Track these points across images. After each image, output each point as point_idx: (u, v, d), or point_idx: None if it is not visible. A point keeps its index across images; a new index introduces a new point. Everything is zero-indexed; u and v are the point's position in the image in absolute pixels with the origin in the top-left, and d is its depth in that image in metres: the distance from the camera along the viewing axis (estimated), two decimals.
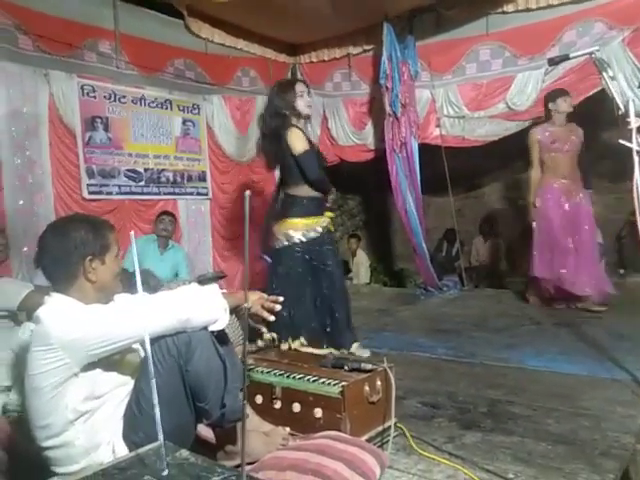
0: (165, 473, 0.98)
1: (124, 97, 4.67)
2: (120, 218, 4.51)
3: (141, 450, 1.14)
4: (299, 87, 3.03)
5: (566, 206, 3.98)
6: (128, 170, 4.73)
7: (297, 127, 2.98)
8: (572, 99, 4.05)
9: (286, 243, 2.94)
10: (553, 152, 4.00)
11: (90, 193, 4.43)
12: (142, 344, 1.60)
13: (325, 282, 2.97)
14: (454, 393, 2.41)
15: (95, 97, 4.47)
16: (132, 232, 1.32)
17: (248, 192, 0.93)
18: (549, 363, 2.73)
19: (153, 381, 1.10)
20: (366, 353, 2.94)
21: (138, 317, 1.42)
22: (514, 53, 4.64)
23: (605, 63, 2.42)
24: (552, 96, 4.06)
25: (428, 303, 4.84)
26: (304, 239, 2.94)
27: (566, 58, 2.52)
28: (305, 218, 2.96)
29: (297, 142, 2.91)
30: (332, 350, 2.88)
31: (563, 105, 3.97)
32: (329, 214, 3.07)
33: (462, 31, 4.84)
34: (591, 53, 2.50)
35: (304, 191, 2.97)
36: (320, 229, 2.98)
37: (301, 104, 2.98)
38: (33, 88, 4.10)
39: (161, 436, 1.07)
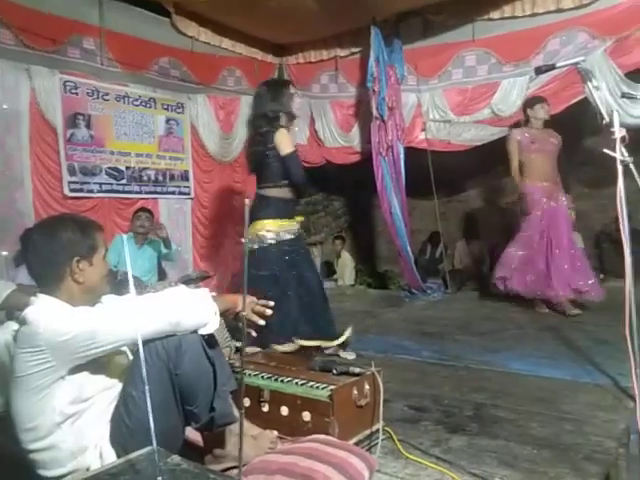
0: (159, 479, 0.97)
1: (107, 94, 4.60)
2: (100, 216, 4.43)
3: (132, 455, 1.12)
4: (292, 89, 3.04)
5: (547, 207, 4.03)
6: (110, 168, 4.66)
7: (285, 128, 2.97)
8: (553, 107, 4.16)
9: (260, 245, 2.93)
10: (533, 154, 4.05)
11: (71, 191, 4.35)
12: (130, 347, 1.58)
13: (303, 285, 2.98)
14: (439, 396, 2.42)
15: (77, 94, 4.40)
16: (124, 235, 1.30)
17: (247, 200, 0.92)
18: (532, 367, 2.76)
19: (146, 387, 1.08)
20: (351, 355, 2.95)
21: (128, 320, 1.40)
22: (499, 60, 4.70)
23: (590, 73, 2.47)
24: (530, 103, 4.14)
25: (412, 305, 4.87)
26: (279, 239, 2.94)
27: (552, 68, 2.56)
28: (279, 220, 2.97)
29: (286, 143, 2.92)
30: (323, 342, 2.88)
31: (540, 112, 4.04)
32: (299, 218, 3.12)
33: (449, 36, 4.89)
34: (577, 63, 2.55)
35: (281, 192, 2.98)
36: (295, 230, 3.01)
37: (294, 106, 2.98)
38: (14, 83, 4.02)
39: (154, 442, 1.05)
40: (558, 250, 3.97)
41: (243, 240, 2.99)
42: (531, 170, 4.08)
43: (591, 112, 3.96)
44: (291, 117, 3.04)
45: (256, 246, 2.93)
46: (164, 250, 4.39)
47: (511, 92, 4.67)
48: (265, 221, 2.95)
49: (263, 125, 2.96)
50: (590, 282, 3.92)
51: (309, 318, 2.97)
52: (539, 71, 2.61)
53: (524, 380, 2.61)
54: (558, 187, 4.10)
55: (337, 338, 2.95)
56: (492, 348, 3.20)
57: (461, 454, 1.83)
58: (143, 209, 4.56)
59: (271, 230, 2.94)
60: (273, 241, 2.94)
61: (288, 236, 2.99)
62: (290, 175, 2.95)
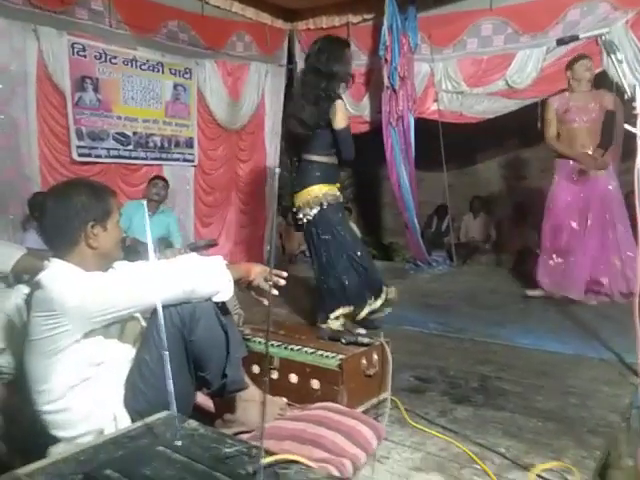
0: (179, 443, 0.99)
1: (115, 58, 4.52)
2: (106, 181, 4.39)
3: (150, 419, 1.14)
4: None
5: (581, 183, 3.62)
6: (117, 133, 4.61)
7: (342, 99, 2.95)
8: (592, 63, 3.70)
9: (318, 209, 2.96)
10: (567, 124, 3.66)
11: (80, 155, 4.32)
12: (143, 313, 1.60)
13: (353, 244, 3.04)
14: (445, 368, 2.45)
15: (85, 56, 4.32)
16: (143, 201, 1.29)
17: (278, 169, 0.91)
18: (538, 341, 2.79)
19: (166, 353, 1.10)
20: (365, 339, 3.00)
21: (143, 286, 1.41)
22: (517, 30, 4.56)
23: (615, 45, 2.37)
24: (569, 62, 3.71)
25: (417, 278, 4.88)
26: (336, 202, 3.00)
27: (576, 38, 2.47)
28: (332, 184, 3.01)
29: (342, 116, 2.89)
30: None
31: (579, 70, 3.61)
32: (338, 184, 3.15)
33: (465, 4, 4.72)
34: (601, 35, 2.46)
35: (332, 159, 3.00)
36: (339, 195, 3.06)
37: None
38: (21, 44, 3.94)
39: (174, 406, 1.07)
40: (594, 235, 3.58)
41: (294, 210, 3.03)
42: (565, 141, 3.69)
43: (607, 87, 3.86)
44: (349, 82, 3.02)
45: (315, 211, 2.96)
46: (176, 232, 4.41)
47: (527, 64, 4.55)
48: (322, 185, 2.96)
49: (321, 85, 2.88)
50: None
51: (366, 276, 3.05)
52: (561, 42, 2.54)
53: (529, 354, 2.63)
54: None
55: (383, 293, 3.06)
56: (497, 321, 3.22)
57: (466, 424, 1.86)
58: (159, 177, 4.55)
59: (328, 194, 2.96)
60: (334, 203, 2.98)
61: (341, 199, 3.07)
62: (341, 150, 2.95)
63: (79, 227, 1.47)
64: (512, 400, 2.07)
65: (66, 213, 1.47)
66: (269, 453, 0.97)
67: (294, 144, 3.11)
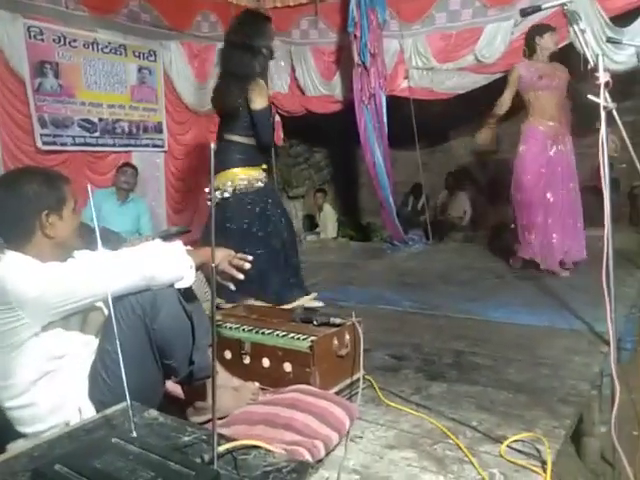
0: (134, 434, 0.95)
1: (75, 41, 4.38)
2: (72, 170, 4.28)
3: (108, 411, 1.11)
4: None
5: (552, 152, 3.59)
6: (82, 120, 4.49)
7: (262, 79, 2.79)
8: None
9: (231, 193, 2.79)
10: (540, 90, 3.57)
11: (44, 144, 4.20)
12: (105, 302, 1.55)
13: (278, 234, 2.90)
14: (419, 345, 2.46)
15: (43, 40, 4.18)
16: (89, 185, 1.23)
17: (213, 144, 0.87)
18: (511, 315, 2.81)
19: (117, 342, 1.05)
20: (318, 303, 2.97)
21: (101, 274, 1.36)
22: (484, 3, 4.54)
23: (577, 15, 2.37)
24: (539, 30, 3.63)
25: (394, 257, 4.89)
26: (250, 189, 2.82)
27: (538, 9, 2.46)
28: (250, 168, 2.83)
29: (260, 97, 2.73)
30: (299, 302, 2.87)
31: (549, 41, 3.57)
32: (264, 165, 2.98)
33: None
34: (563, 4, 2.44)
35: (251, 140, 2.83)
36: (263, 179, 2.89)
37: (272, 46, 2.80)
38: None
39: (128, 397, 1.04)
40: (566, 202, 3.59)
41: (207, 191, 2.88)
42: (535, 108, 3.60)
43: (574, 59, 3.86)
44: (271, 56, 2.85)
45: (227, 195, 2.80)
46: (146, 221, 4.31)
47: (495, 37, 4.54)
48: (236, 169, 2.81)
49: (241, 60, 2.72)
50: (583, 244, 3.62)
51: (284, 273, 2.93)
52: (524, 13, 2.52)
53: (502, 327, 2.65)
54: (565, 129, 3.64)
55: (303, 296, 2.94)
56: (471, 297, 3.24)
57: (440, 400, 1.86)
58: (128, 164, 4.44)
59: (243, 179, 2.80)
60: (245, 190, 2.80)
61: (258, 184, 2.86)
62: (257, 133, 2.78)
63: (33, 217, 1.41)
64: (485, 374, 2.08)
65: (18, 203, 1.40)
66: (229, 440, 0.94)
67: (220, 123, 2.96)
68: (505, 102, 3.68)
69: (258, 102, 2.73)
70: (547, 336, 2.48)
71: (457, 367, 2.17)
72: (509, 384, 1.97)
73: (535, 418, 1.69)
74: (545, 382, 1.97)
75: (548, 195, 3.60)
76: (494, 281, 3.67)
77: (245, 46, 2.74)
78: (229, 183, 2.79)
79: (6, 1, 3.85)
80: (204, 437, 0.99)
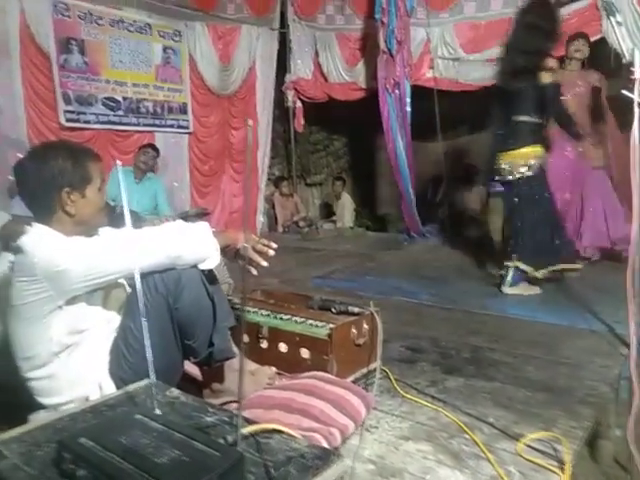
0: (158, 412, 0.95)
1: (101, 18, 4.37)
2: (97, 148, 4.29)
3: (130, 387, 1.11)
4: None
5: (571, 155, 3.77)
6: (106, 98, 4.50)
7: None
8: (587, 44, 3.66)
9: (530, 171, 3.04)
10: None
11: (67, 120, 4.22)
12: (128, 280, 1.55)
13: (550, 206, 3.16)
14: (436, 338, 2.44)
15: (70, 16, 4.17)
16: (118, 162, 1.23)
17: (251, 121, 0.85)
18: (530, 312, 2.77)
19: (144, 320, 1.05)
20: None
21: (127, 251, 1.36)
22: None
23: (614, 7, 2.31)
24: (568, 39, 3.67)
25: (411, 249, 4.86)
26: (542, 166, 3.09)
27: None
28: (538, 146, 3.08)
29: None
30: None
31: (570, 50, 3.66)
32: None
33: None
34: None
35: (536, 118, 3.05)
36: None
37: None
38: (1, 4, 3.79)
39: (153, 374, 1.04)
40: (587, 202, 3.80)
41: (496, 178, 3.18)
42: None
43: (606, 53, 3.76)
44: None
45: (528, 173, 3.04)
46: (162, 199, 4.32)
47: None
48: (532, 147, 3.06)
49: (539, 45, 2.89)
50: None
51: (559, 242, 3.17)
52: (560, 3, 2.46)
53: (521, 325, 2.62)
54: (588, 130, 3.73)
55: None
56: (489, 293, 3.21)
57: (457, 394, 1.85)
58: (151, 145, 4.44)
59: (538, 157, 3.06)
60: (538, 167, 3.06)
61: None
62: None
63: (54, 193, 1.40)
64: (503, 370, 2.06)
65: (41, 177, 1.40)
66: (251, 423, 0.94)
67: (502, 102, 3.17)
68: None
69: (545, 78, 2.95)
70: (566, 335, 2.44)
71: (474, 362, 2.15)
72: (527, 382, 1.95)
73: (553, 417, 1.67)
74: (564, 382, 1.95)
75: (567, 195, 3.76)
76: None
77: (547, 31, 2.92)
78: (531, 161, 3.04)
79: None
80: (226, 418, 0.99)
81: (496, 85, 3.20)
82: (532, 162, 3.03)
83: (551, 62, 2.93)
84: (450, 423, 1.64)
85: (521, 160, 3.03)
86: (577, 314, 2.72)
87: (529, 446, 1.49)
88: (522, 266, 3.07)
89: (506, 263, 3.15)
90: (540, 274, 3.07)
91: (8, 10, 3.82)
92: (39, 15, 3.97)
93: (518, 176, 3.04)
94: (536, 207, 3.06)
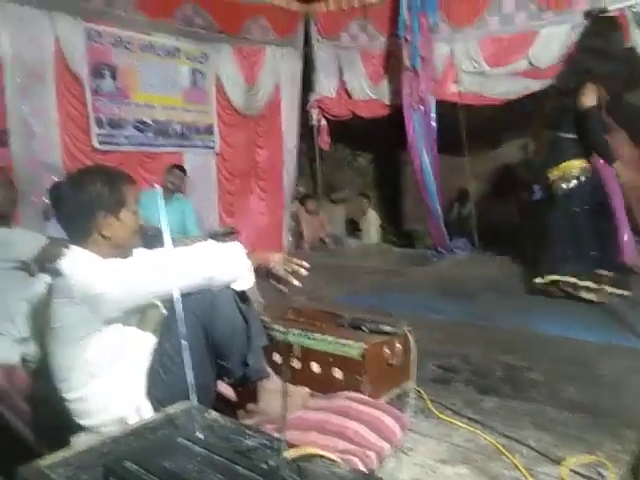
0: (199, 435, 0.96)
1: (131, 44, 4.49)
2: (127, 170, 4.39)
3: (170, 410, 1.12)
4: None
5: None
6: (137, 121, 4.61)
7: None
8: None
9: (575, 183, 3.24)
10: None
11: (100, 143, 4.33)
12: (163, 301, 1.57)
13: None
14: (468, 357, 2.39)
15: (102, 43, 4.31)
16: (156, 186, 1.25)
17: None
18: (564, 329, 2.71)
19: (184, 342, 1.06)
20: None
21: (162, 273, 1.38)
22: (539, 5, 4.40)
23: None
24: None
25: (439, 264, 4.81)
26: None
27: (604, 11, 2.38)
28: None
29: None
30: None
31: None
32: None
33: None
34: (630, 6, 2.35)
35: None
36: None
37: None
38: (37, 32, 3.93)
39: (194, 397, 1.04)
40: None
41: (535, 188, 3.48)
42: None
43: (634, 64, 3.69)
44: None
45: (571, 185, 3.25)
46: (192, 221, 4.37)
47: (551, 42, 4.39)
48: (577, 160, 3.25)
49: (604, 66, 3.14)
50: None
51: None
52: (589, 15, 2.43)
53: (556, 342, 2.56)
54: None
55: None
56: (522, 309, 3.15)
57: (494, 416, 1.81)
58: (179, 166, 4.51)
59: (584, 167, 3.25)
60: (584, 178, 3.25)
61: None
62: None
63: (91, 216, 1.44)
64: (540, 390, 2.01)
65: (78, 202, 1.44)
66: (291, 446, 0.93)
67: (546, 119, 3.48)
68: None
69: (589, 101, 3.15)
70: (604, 353, 2.38)
71: (510, 381, 2.11)
72: (567, 403, 1.89)
73: (597, 441, 1.61)
74: (606, 402, 1.89)
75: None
76: None
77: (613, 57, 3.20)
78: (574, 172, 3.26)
79: (67, 5, 4.00)
80: (265, 442, 0.99)
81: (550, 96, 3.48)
82: (580, 173, 3.18)
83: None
84: (488, 445, 1.60)
85: (570, 171, 3.20)
86: (613, 330, 2.65)
87: (573, 470, 1.44)
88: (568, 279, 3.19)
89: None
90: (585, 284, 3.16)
91: (43, 38, 3.96)
92: (73, 42, 4.11)
93: (570, 186, 3.20)
94: (586, 217, 3.20)
